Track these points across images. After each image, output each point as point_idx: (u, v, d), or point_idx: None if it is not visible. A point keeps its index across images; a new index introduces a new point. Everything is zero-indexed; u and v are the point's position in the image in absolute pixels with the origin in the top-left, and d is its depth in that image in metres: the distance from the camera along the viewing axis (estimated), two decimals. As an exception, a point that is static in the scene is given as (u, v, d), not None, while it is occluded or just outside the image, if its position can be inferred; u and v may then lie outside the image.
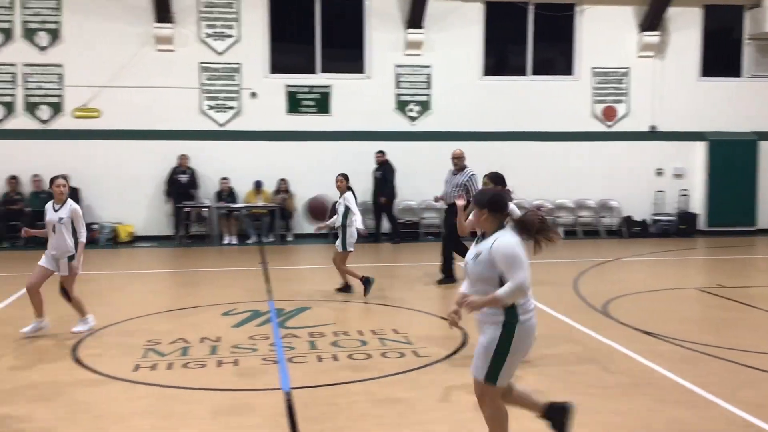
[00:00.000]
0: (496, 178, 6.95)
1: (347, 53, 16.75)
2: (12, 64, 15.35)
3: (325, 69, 16.48)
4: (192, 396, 5.76)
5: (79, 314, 7.71)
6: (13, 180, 15.16)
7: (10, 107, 15.41)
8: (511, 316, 4.16)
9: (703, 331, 7.95)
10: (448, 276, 10.65)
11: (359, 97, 16.38)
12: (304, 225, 16.16)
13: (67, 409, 5.45)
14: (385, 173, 15.79)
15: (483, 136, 16.37)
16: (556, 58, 17.31)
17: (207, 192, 15.91)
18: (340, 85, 16.38)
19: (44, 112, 15.53)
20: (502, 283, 4.13)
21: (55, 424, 5.15)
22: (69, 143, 15.41)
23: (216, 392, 5.83)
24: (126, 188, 15.61)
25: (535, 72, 16.99)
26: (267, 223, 15.83)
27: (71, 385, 6.03)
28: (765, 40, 17.21)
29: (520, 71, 17.01)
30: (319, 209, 9.38)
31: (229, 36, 16.02)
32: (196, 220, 15.96)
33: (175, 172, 15.58)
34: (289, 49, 16.64)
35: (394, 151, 15.96)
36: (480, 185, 9.03)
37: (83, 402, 5.59)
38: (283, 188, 15.91)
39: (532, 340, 4.31)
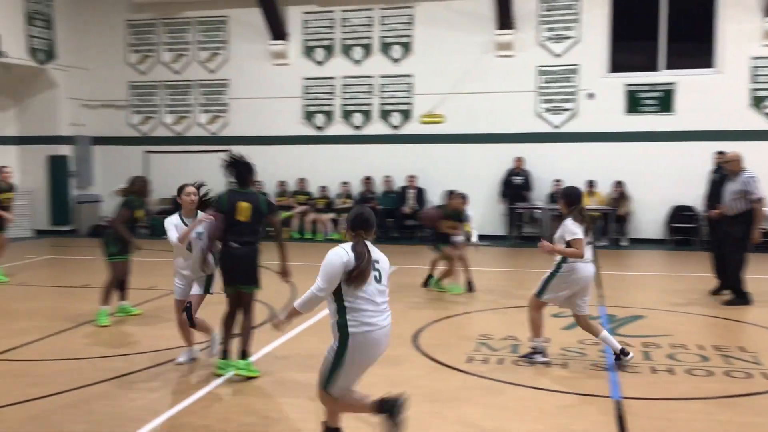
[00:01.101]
0: None
1: (694, 47, 15.65)
2: (370, 76, 17.10)
3: (669, 65, 15.59)
4: (521, 393, 5.90)
5: (205, 334, 6.62)
6: (368, 180, 16.87)
7: (367, 115, 17.19)
8: (341, 328, 4.18)
9: None
10: (739, 296, 9.30)
11: (707, 95, 15.21)
12: (640, 229, 15.51)
13: (409, 390, 5.93)
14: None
15: None
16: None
17: (540, 194, 16.07)
18: (685, 82, 15.37)
19: (395, 118, 17.05)
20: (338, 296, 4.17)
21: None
22: (416, 147, 16.71)
23: (544, 392, 5.90)
24: (465, 189, 16.37)
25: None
26: (600, 226, 15.48)
27: (413, 369, 6.56)
28: None
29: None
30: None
31: (568, 38, 15.98)
32: (529, 221, 16.22)
33: (510, 173, 16.00)
34: (630, 47, 16.08)
35: (746, 152, 14.48)
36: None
37: (422, 386, 6.05)
38: (617, 191, 15.43)
39: (373, 353, 4.27)
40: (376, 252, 4.34)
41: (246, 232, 6.08)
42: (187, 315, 6.21)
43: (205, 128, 18.12)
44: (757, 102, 15.04)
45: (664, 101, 15.54)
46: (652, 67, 15.73)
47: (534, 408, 5.55)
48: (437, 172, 16.56)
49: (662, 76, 15.60)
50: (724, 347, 7.21)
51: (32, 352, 7.07)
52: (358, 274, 4.15)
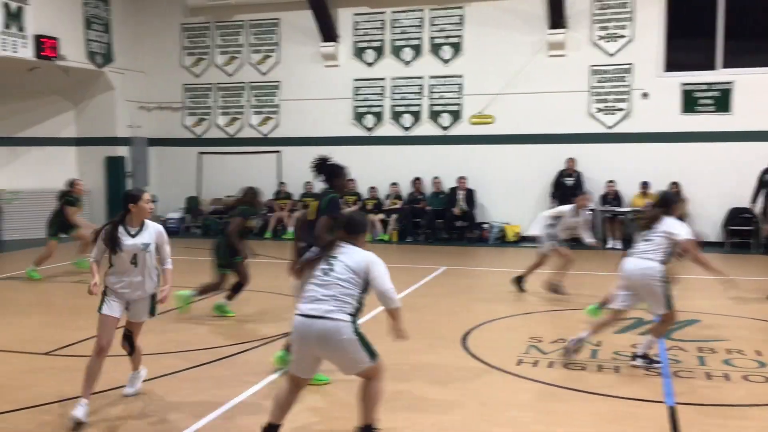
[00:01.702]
0: None
1: (754, 45, 15.25)
2: (420, 77, 17.10)
3: (727, 64, 15.22)
4: (572, 397, 5.84)
5: (134, 367, 5.88)
6: (418, 181, 16.86)
7: (417, 116, 17.19)
8: None
9: None
10: None
11: (766, 94, 14.78)
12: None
13: (458, 393, 5.93)
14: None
15: None
16: None
17: (592, 195, 15.82)
18: (744, 81, 14.98)
19: (445, 119, 17.01)
20: None
21: (447, 405, 5.65)
22: (465, 148, 16.64)
23: (596, 396, 5.82)
24: (515, 190, 16.31)
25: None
26: (655, 228, 15.16)
27: (462, 371, 6.54)
28: None
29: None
30: None
31: (622, 36, 15.72)
32: (581, 223, 15.98)
33: (562, 175, 15.81)
34: (686, 46, 15.75)
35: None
36: None
37: (472, 388, 6.03)
38: (673, 192, 15.11)
39: (298, 337, 4.48)
40: (348, 252, 4.60)
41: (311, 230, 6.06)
42: (128, 342, 5.67)
43: (256, 129, 18.35)
44: (821, 101, 14.56)
45: (722, 101, 15.16)
46: (709, 65, 15.36)
47: (585, 413, 5.48)
48: (487, 173, 16.46)
49: (720, 74, 15.22)
50: (784, 354, 7.01)
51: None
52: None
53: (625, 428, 5.17)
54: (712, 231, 15.06)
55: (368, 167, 17.06)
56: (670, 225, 6.46)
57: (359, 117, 17.54)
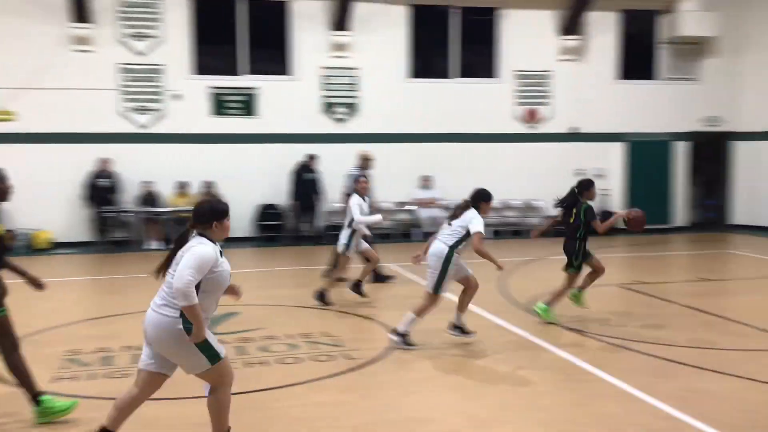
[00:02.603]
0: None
1: (274, 55, 16.62)
2: None
3: (253, 71, 16.32)
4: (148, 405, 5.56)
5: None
6: None
7: None
8: None
9: (625, 326, 8.19)
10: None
11: (286, 99, 16.28)
12: (232, 228, 15.90)
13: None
14: (315, 175, 15.72)
15: (411, 138, 16.54)
16: (480, 61, 17.59)
17: (130, 196, 15.48)
18: (267, 87, 16.23)
19: (-47, 114, 14.83)
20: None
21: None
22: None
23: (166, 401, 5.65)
24: (44, 193, 15.02)
25: (460, 74, 17.25)
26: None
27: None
28: (678, 44, 17.92)
29: (446, 74, 17.25)
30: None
31: (151, 36, 15.65)
32: (118, 225, 15.49)
33: (96, 176, 15.11)
34: (213, 51, 16.40)
35: (322, 153, 15.88)
36: None
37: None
38: (207, 191, 15.63)
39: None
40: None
41: None
42: None
43: None
44: (328, 107, 16.56)
45: (248, 104, 16.20)
46: (235, 71, 16.27)
47: (173, 416, 5.27)
48: (11, 175, 14.80)
49: (245, 80, 16.23)
50: (309, 334, 7.76)
51: None
52: None
53: (172, 429, 5.12)
54: (246, 227, 16.01)
55: None
56: (469, 218, 7.09)
57: None
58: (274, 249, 15.23)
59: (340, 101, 16.61)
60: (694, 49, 18.04)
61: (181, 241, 4.44)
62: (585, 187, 8.19)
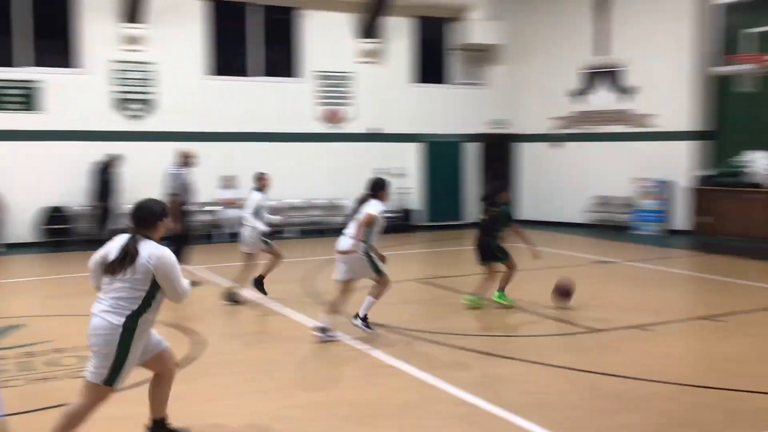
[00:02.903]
0: None
1: (60, 46, 15.46)
2: None
3: (38, 63, 15.09)
4: None
5: None
6: None
7: None
8: None
9: (421, 318, 8.55)
10: None
11: (74, 94, 15.22)
12: (14, 233, 14.60)
13: None
14: (111, 175, 14.84)
15: (212, 137, 16.12)
16: (283, 60, 17.56)
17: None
18: (52, 80, 15.06)
19: None
20: None
21: None
22: None
23: None
24: None
25: (262, 73, 17.10)
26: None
27: None
28: (467, 50, 19.03)
29: (247, 72, 17.01)
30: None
31: None
32: None
33: None
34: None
35: (117, 151, 15.02)
36: None
37: None
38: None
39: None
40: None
41: None
42: None
43: None
44: (120, 104, 15.69)
45: (30, 99, 14.94)
46: (11, 62, 14.93)
47: None
48: None
49: (25, 72, 14.94)
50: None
51: None
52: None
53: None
54: (27, 232, 14.76)
55: None
56: (368, 207, 7.21)
57: None
58: (63, 255, 14.16)
59: (134, 97, 15.81)
60: (482, 55, 19.27)
61: (133, 249, 4.30)
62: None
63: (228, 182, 16.23)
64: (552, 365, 6.59)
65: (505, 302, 9.04)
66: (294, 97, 17.24)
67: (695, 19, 16.38)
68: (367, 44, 17.72)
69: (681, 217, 16.93)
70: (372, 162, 17.83)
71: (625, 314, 8.65)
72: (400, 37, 18.30)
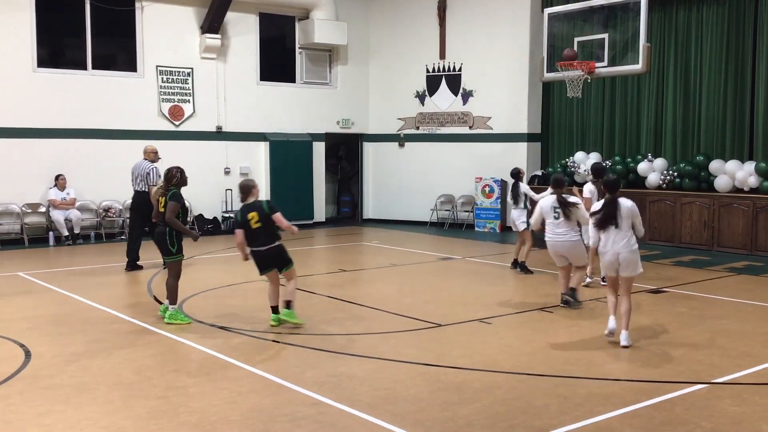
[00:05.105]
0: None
1: None
2: None
3: None
4: None
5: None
6: None
7: None
8: None
9: (269, 319, 8.45)
10: None
11: None
12: None
13: None
14: None
15: (38, 133, 15.08)
16: (119, 53, 16.74)
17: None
18: None
19: None
20: None
21: None
22: None
23: None
24: None
25: (96, 66, 16.17)
26: None
27: None
28: (313, 50, 19.03)
29: (80, 65, 16.03)
30: None
31: None
32: None
33: None
34: None
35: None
36: None
37: None
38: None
39: None
40: None
41: None
42: None
43: None
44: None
45: None
46: None
47: None
48: None
49: None
50: None
51: None
52: None
53: None
54: None
55: None
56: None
57: None
58: None
59: (-48, 90, 14.50)
60: (326, 55, 19.34)
61: None
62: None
63: (60, 182, 15.28)
64: (400, 361, 6.73)
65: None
66: (134, 93, 16.45)
67: (529, 26, 17.38)
68: (211, 39, 17.23)
69: (517, 214, 17.85)
70: (218, 161, 17.46)
71: (466, 308, 9.01)
72: (246, 33, 17.97)
